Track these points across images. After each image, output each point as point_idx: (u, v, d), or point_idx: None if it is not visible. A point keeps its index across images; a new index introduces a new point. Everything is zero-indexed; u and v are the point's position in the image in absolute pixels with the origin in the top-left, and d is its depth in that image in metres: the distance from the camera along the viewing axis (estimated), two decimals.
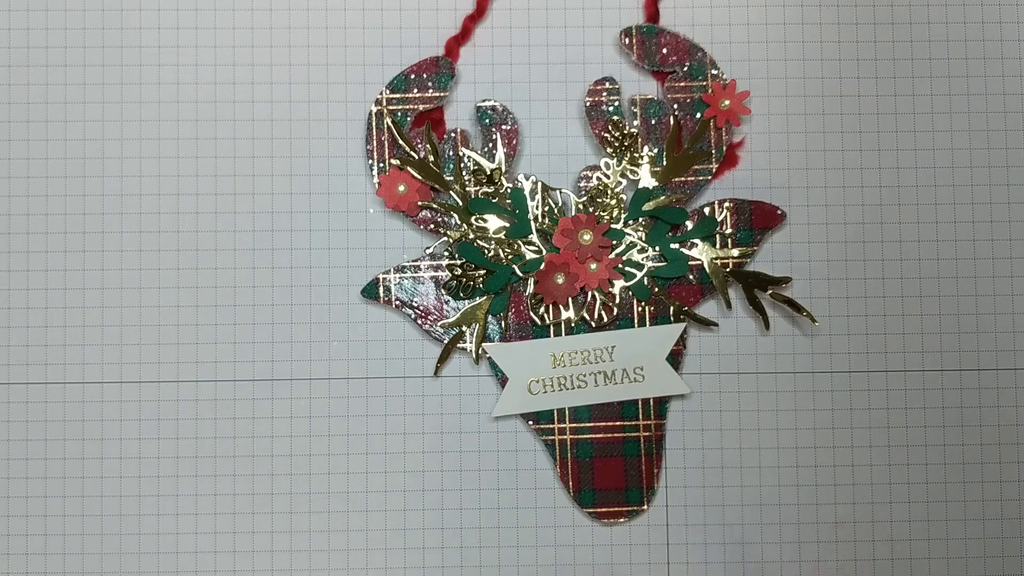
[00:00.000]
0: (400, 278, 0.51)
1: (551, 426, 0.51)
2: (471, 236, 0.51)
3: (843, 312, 0.53)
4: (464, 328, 0.51)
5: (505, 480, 0.52)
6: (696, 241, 0.52)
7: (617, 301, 0.51)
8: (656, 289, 0.51)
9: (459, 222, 0.51)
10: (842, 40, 0.54)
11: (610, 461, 0.51)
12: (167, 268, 0.53)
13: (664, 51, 0.52)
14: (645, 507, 0.51)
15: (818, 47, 0.54)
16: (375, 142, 0.52)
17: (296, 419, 0.52)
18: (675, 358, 0.52)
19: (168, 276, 0.52)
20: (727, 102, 0.51)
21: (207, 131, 0.53)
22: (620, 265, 0.51)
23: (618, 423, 0.51)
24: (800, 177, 0.53)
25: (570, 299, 0.51)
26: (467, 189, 0.51)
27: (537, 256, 0.51)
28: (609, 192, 0.51)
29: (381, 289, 0.51)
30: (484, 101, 0.52)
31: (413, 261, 0.52)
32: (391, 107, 0.51)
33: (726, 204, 0.52)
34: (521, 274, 0.51)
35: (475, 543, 0.52)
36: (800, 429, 0.53)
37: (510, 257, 0.51)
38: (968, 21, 0.54)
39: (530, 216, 0.51)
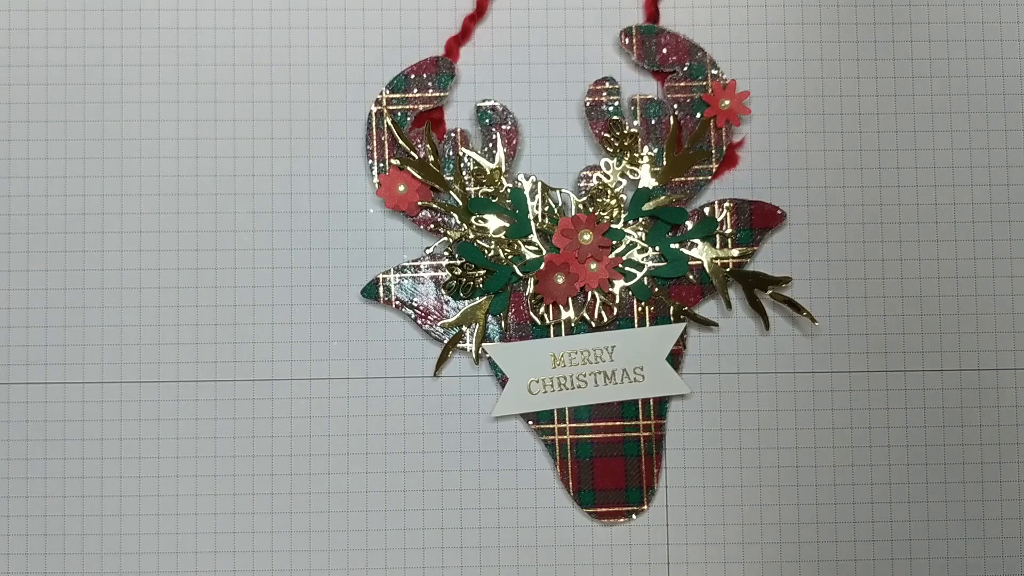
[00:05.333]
0: (400, 278, 0.51)
1: (551, 426, 0.51)
2: (471, 236, 0.51)
3: (843, 312, 0.53)
4: (464, 328, 0.51)
5: (505, 480, 0.52)
6: (696, 241, 0.52)
7: (617, 301, 0.51)
8: (656, 289, 0.51)
9: (459, 222, 0.51)
10: (842, 40, 0.54)
11: (610, 461, 0.51)
12: (167, 268, 0.53)
13: (664, 51, 0.52)
14: (645, 507, 0.51)
15: (818, 47, 0.54)
16: (375, 142, 0.52)
17: (296, 419, 0.52)
18: (675, 358, 0.52)
19: (168, 276, 0.52)
20: (727, 102, 0.51)
21: (207, 131, 0.53)
22: (620, 265, 0.51)
23: (618, 423, 0.51)
24: (800, 177, 0.53)
25: (570, 299, 0.51)
26: (467, 189, 0.51)
27: (537, 256, 0.51)
28: (609, 192, 0.51)
29: (381, 289, 0.51)
30: (484, 101, 0.52)
31: (413, 261, 0.52)
32: (391, 107, 0.51)
33: (726, 204, 0.52)
34: (521, 274, 0.51)
35: (475, 543, 0.52)
36: (800, 429, 0.53)
37: (510, 257, 0.51)
38: (968, 21, 0.54)
39: (530, 216, 0.51)
